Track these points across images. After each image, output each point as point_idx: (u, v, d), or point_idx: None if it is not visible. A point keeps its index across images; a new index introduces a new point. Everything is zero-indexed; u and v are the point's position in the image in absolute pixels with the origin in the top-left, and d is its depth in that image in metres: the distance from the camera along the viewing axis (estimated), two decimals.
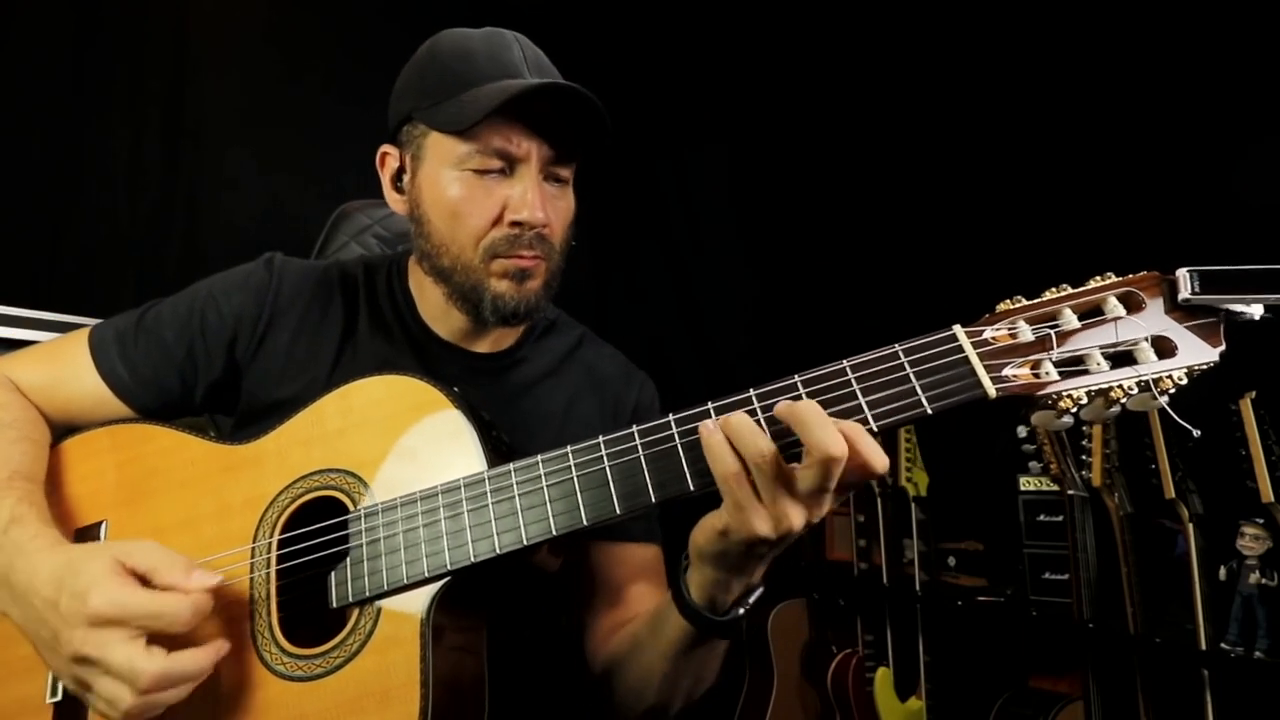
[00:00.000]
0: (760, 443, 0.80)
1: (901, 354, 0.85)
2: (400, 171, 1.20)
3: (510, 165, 1.11)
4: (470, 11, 1.22)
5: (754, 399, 0.86)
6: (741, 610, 0.94)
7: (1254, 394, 2.00)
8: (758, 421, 0.83)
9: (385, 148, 1.22)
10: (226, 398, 1.24)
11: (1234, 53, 2.32)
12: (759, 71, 3.43)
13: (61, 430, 1.18)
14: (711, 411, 0.87)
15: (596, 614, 1.21)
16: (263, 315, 1.22)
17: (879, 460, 0.80)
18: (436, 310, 1.23)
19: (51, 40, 2.39)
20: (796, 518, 0.81)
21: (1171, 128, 2.42)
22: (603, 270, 3.28)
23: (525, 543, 0.90)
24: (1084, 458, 2.25)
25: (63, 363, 1.20)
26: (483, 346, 1.25)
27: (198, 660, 0.88)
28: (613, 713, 1.15)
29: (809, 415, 0.79)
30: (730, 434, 0.81)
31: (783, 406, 0.82)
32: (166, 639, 0.87)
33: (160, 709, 0.87)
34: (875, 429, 0.83)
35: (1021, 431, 2.33)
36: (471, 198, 1.11)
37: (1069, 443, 2.28)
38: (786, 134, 3.39)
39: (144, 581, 0.89)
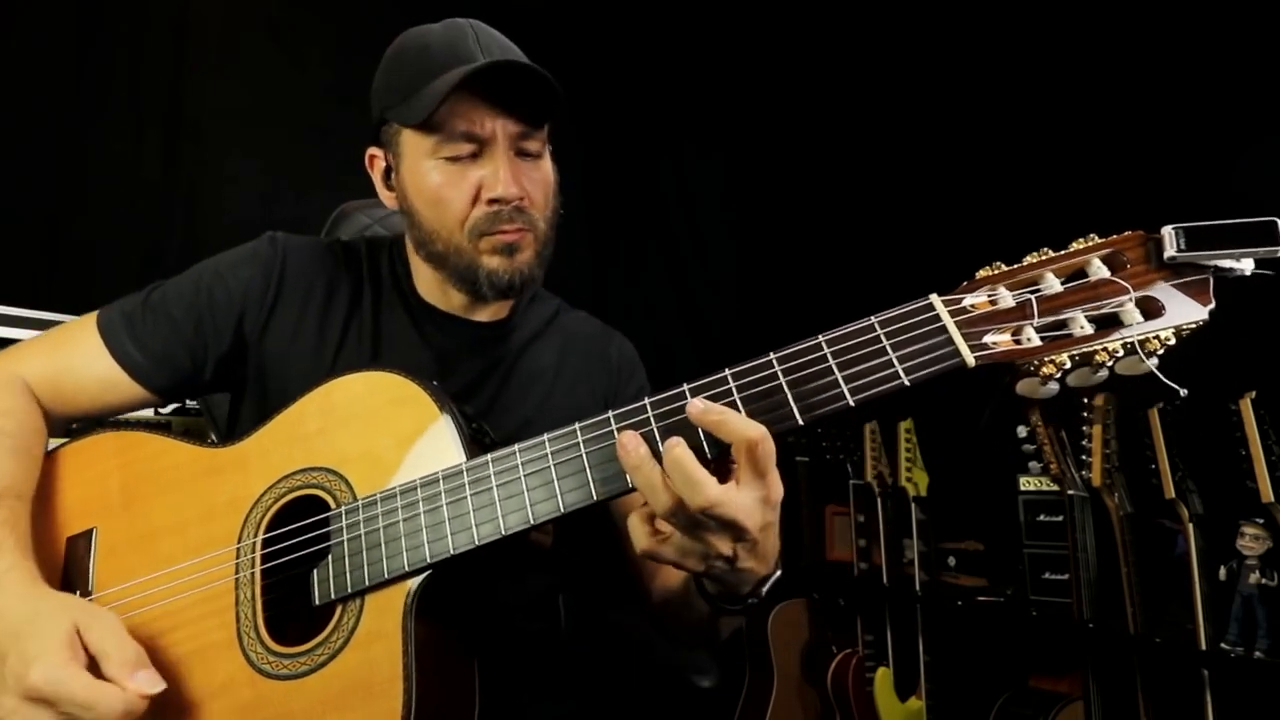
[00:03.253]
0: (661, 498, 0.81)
1: (877, 326, 0.84)
2: (389, 170, 1.25)
3: (480, 147, 1.15)
4: (472, 14, 1.23)
5: (729, 378, 0.86)
6: (756, 599, 0.95)
7: (1254, 394, 1.99)
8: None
9: (371, 150, 1.27)
10: (235, 374, 1.24)
11: (1219, 31, 2.32)
12: (756, 71, 3.45)
13: (63, 423, 1.18)
14: (687, 393, 0.87)
15: (635, 557, 1.23)
16: (269, 290, 1.23)
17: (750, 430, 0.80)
18: (434, 288, 1.28)
19: (52, 40, 2.40)
20: (722, 545, 0.82)
21: (1152, 93, 2.43)
22: (603, 270, 3.28)
23: (504, 532, 0.90)
24: (1084, 458, 2.24)
25: (71, 350, 1.19)
26: (483, 316, 1.30)
27: None
28: (669, 636, 1.24)
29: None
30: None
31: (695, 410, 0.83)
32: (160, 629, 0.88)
33: None
34: (853, 403, 0.83)
35: (1021, 431, 2.33)
36: (448, 183, 1.16)
37: (1069, 443, 2.27)
38: (781, 126, 3.42)
39: (93, 663, 0.86)
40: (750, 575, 0.89)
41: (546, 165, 1.22)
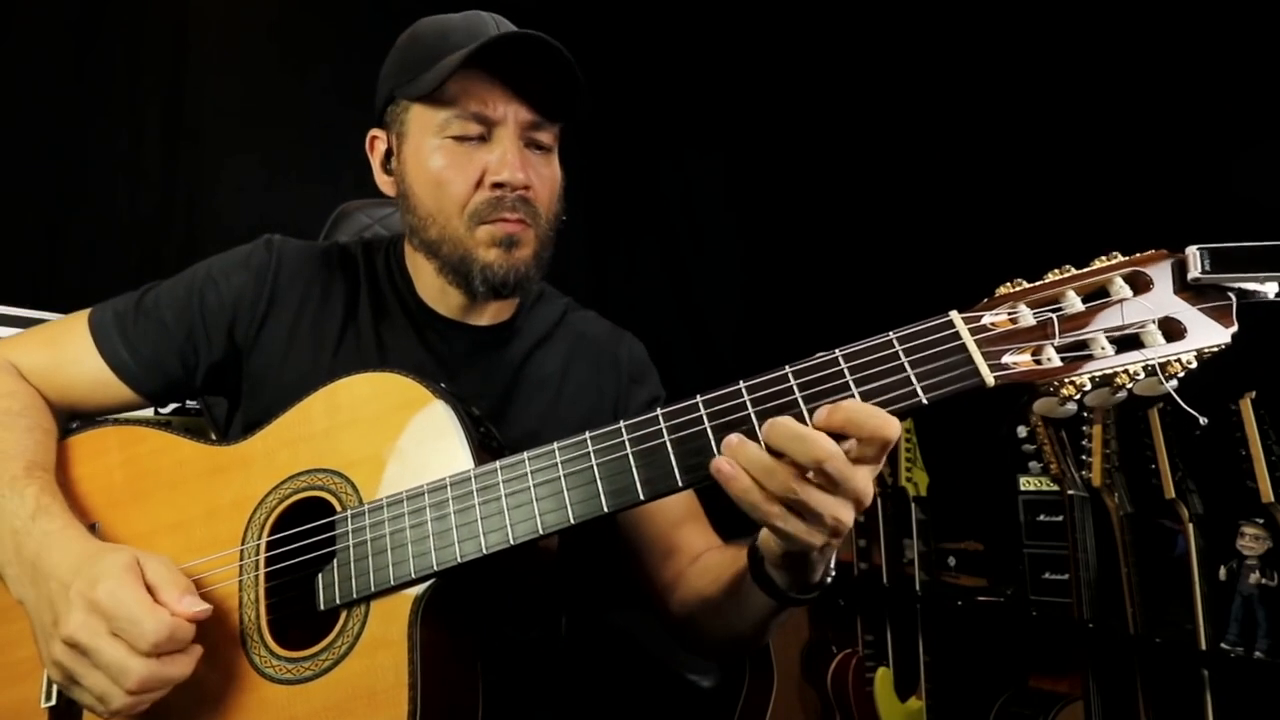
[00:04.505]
0: (773, 469, 0.79)
1: (896, 342, 0.82)
2: (389, 153, 1.22)
3: (489, 129, 1.13)
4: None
5: (743, 391, 0.85)
6: (830, 579, 0.94)
7: (1254, 394, 1.99)
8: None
9: (373, 132, 1.24)
10: (228, 380, 1.23)
11: (1237, 36, 2.31)
12: (757, 69, 3.44)
13: (64, 413, 1.18)
14: (700, 405, 0.86)
15: (654, 569, 1.23)
16: (263, 296, 1.21)
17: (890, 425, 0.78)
18: (433, 289, 1.24)
19: (52, 40, 2.39)
20: (844, 513, 0.80)
21: (1173, 105, 2.42)
22: (603, 270, 3.28)
23: (512, 542, 0.89)
24: (1084, 458, 2.24)
25: (62, 345, 1.19)
26: (483, 320, 1.26)
27: (184, 667, 0.88)
28: (697, 648, 1.21)
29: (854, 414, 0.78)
30: (748, 468, 0.80)
31: (824, 416, 0.79)
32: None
33: (145, 708, 0.87)
34: None
35: (1022, 431, 2.33)
36: (453, 164, 1.13)
37: (1069, 443, 2.27)
38: (783, 126, 3.41)
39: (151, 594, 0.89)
40: (829, 555, 0.89)
41: (555, 164, 1.20)
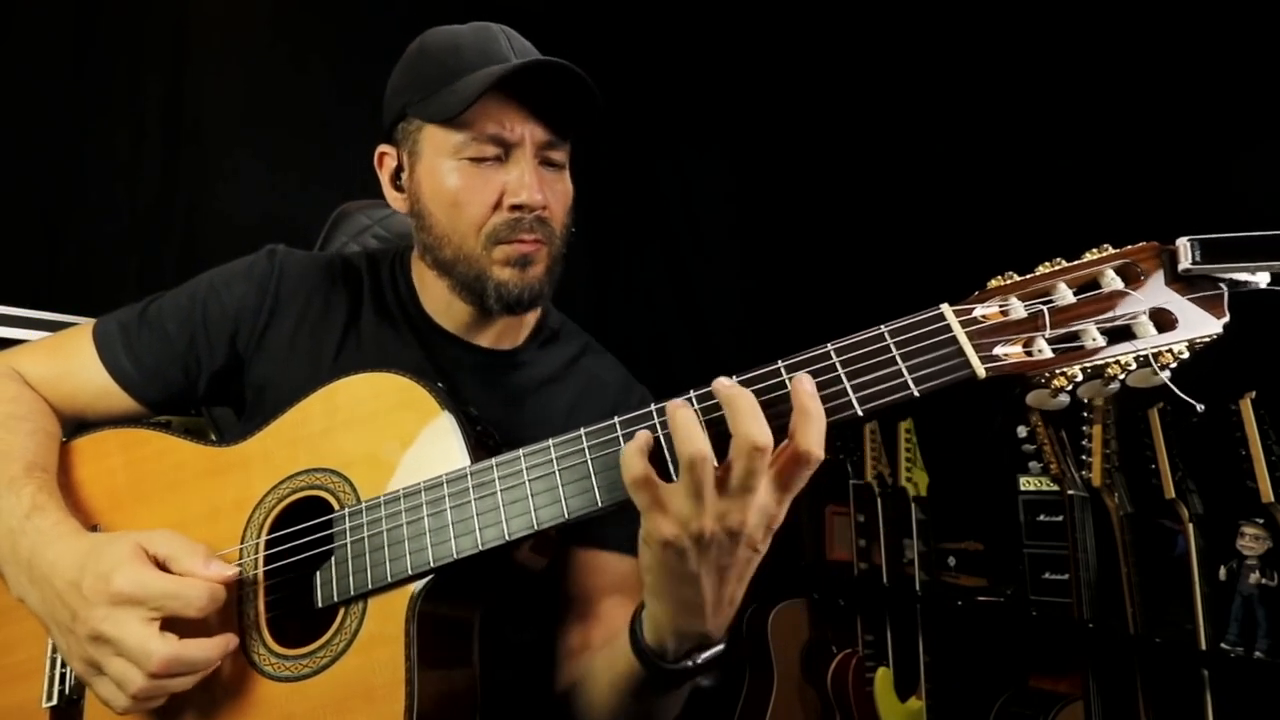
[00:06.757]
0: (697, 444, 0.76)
1: (887, 335, 0.82)
2: (399, 170, 1.20)
3: (505, 151, 1.11)
4: (472, 13, 1.22)
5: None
6: (690, 664, 0.89)
7: (1254, 394, 1.99)
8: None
9: (382, 147, 1.22)
10: (230, 389, 1.24)
11: (1230, 31, 2.32)
12: (756, 70, 3.44)
13: (70, 421, 1.19)
14: (694, 400, 0.85)
15: (566, 626, 1.17)
16: (264, 306, 1.21)
17: (816, 448, 0.76)
18: (439, 303, 1.23)
19: (51, 40, 2.39)
20: (708, 521, 0.77)
21: (1165, 98, 2.43)
22: (603, 270, 3.28)
23: (508, 537, 0.89)
24: (1084, 458, 2.25)
25: (67, 356, 1.20)
26: (485, 340, 1.24)
27: (206, 650, 0.88)
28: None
29: (742, 403, 0.76)
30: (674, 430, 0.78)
31: (721, 385, 0.79)
32: (177, 628, 0.87)
33: (164, 696, 0.88)
34: (861, 413, 0.81)
35: (1021, 431, 2.33)
36: (470, 186, 1.11)
37: (1069, 443, 2.27)
38: (783, 126, 3.41)
39: (162, 568, 0.90)
40: (700, 624, 0.85)
41: (566, 179, 1.19)
